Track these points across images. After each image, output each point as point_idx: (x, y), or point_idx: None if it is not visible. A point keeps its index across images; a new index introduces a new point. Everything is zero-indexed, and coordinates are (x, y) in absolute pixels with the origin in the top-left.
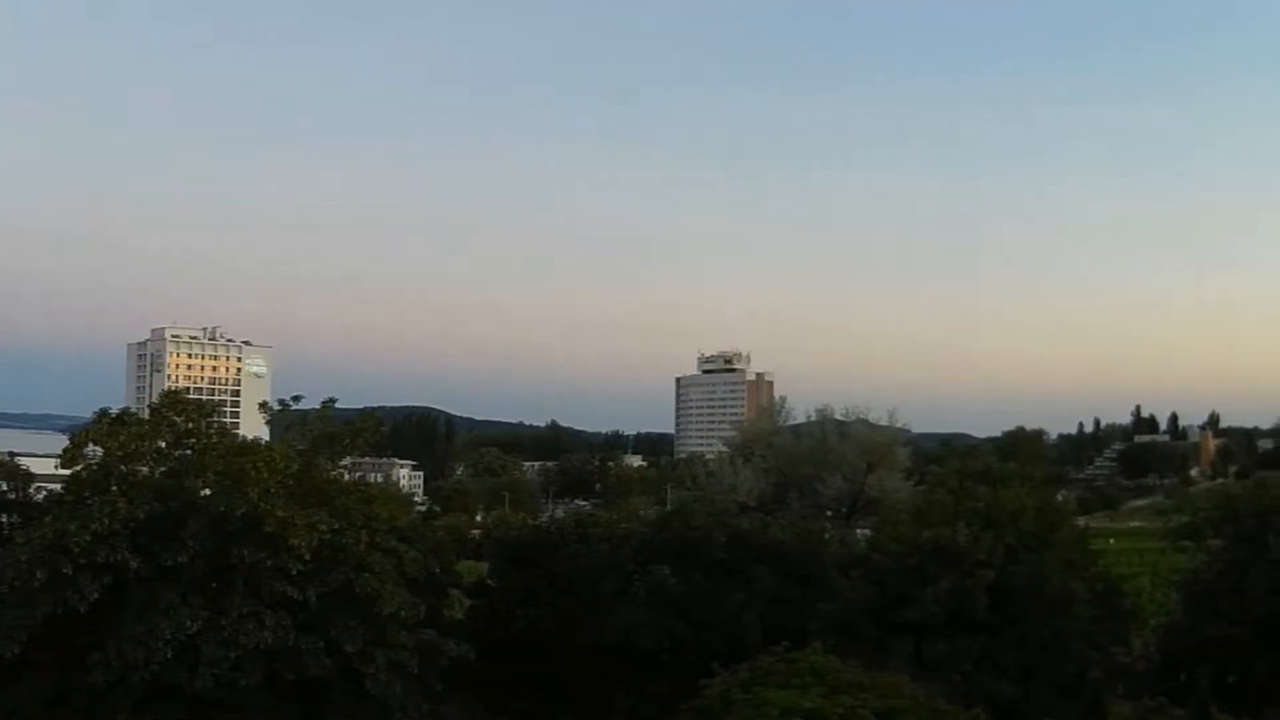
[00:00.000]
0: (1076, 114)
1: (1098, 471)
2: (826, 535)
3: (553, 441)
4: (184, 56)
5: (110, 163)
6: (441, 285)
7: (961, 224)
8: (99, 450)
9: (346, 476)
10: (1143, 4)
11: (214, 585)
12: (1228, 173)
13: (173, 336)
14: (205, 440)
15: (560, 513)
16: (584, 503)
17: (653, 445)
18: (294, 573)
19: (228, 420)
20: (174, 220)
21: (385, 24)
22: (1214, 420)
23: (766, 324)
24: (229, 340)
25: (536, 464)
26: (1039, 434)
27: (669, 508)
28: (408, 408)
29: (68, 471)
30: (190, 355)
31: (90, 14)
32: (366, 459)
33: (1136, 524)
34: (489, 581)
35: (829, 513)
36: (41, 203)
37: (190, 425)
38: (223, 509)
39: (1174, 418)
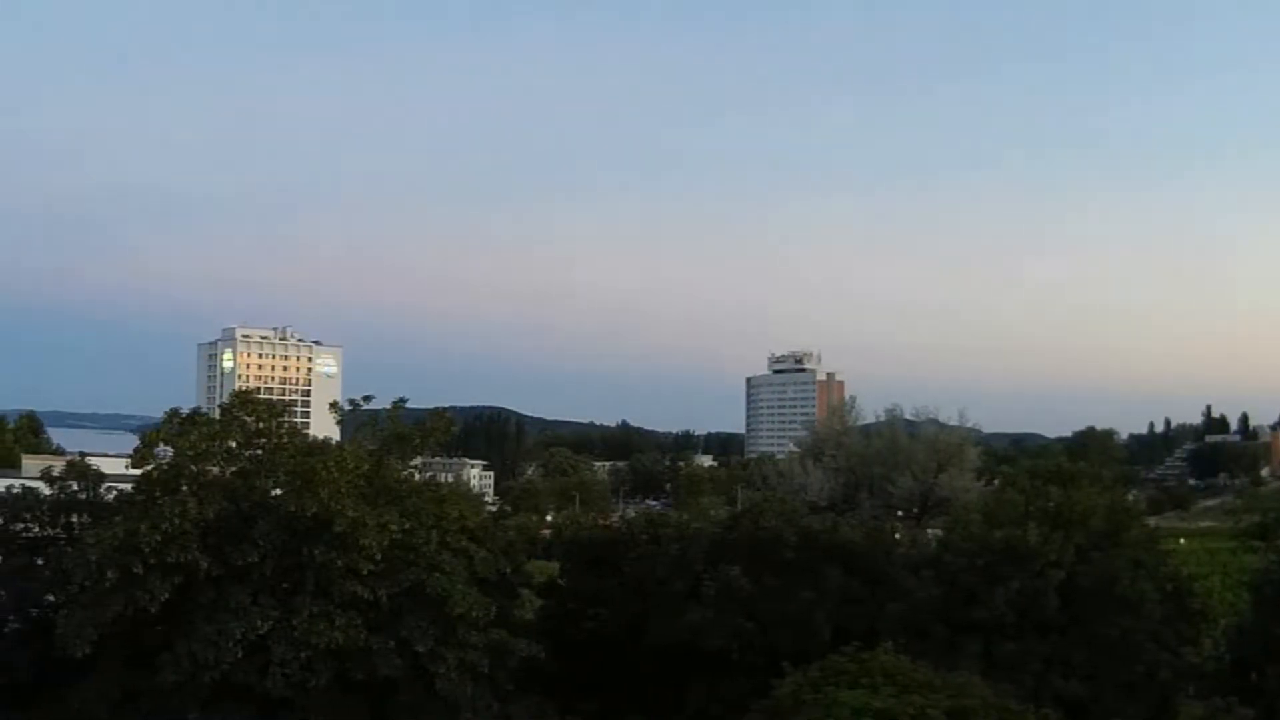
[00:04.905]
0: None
1: (1168, 471)
2: (897, 535)
3: (623, 441)
4: None
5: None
6: (514, 284)
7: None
8: (169, 450)
9: (417, 476)
10: None
11: (284, 585)
12: None
13: (243, 336)
14: (276, 440)
15: (631, 512)
16: (654, 502)
17: (723, 445)
18: (365, 573)
19: (298, 420)
20: (235, 221)
21: None
22: None
23: (839, 323)
24: (299, 340)
25: (607, 464)
26: (1109, 434)
27: (739, 508)
28: (478, 407)
29: (138, 471)
30: (261, 355)
31: None
32: (437, 459)
33: (1207, 524)
34: (559, 582)
35: (899, 513)
36: None
37: (261, 425)
38: (293, 509)
39: (1245, 418)
